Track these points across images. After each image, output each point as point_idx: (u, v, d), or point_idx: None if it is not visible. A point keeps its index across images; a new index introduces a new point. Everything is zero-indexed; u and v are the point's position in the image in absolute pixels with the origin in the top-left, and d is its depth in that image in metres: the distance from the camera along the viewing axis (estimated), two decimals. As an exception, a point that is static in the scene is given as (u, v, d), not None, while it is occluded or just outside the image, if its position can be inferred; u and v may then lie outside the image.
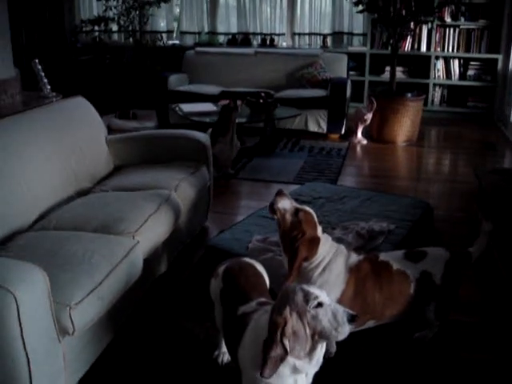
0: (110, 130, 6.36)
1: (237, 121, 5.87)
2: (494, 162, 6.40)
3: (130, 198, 3.42)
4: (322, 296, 1.99)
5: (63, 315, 2.31)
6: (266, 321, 2.02)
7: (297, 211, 2.57)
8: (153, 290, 3.43)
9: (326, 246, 2.64)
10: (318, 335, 1.96)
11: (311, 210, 2.63)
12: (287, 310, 1.94)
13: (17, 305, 2.07)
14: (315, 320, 1.95)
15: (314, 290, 2.01)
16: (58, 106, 4.07)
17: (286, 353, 1.92)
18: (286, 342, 1.91)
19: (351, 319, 1.96)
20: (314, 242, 2.58)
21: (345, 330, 1.96)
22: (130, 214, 3.15)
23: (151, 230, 3.16)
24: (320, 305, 1.96)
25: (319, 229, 2.62)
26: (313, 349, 1.98)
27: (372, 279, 2.65)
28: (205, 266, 3.32)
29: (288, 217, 2.57)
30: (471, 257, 2.82)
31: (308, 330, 1.94)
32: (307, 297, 1.96)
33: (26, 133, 3.40)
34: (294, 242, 2.55)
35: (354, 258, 2.69)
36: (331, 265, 2.61)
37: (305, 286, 2.02)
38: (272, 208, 2.59)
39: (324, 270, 2.61)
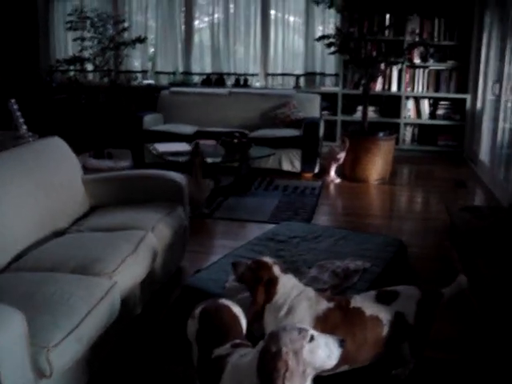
0: (85, 169, 6.36)
1: (212, 161, 5.98)
2: (464, 199, 6.51)
3: (106, 238, 3.43)
4: (310, 329, 2.03)
5: (41, 357, 2.30)
6: (247, 366, 2.03)
7: (250, 266, 2.70)
8: (130, 330, 3.42)
9: (288, 287, 2.68)
10: (312, 368, 1.99)
11: (264, 257, 2.78)
12: (284, 351, 1.95)
13: (-6, 347, 2.06)
14: (312, 354, 1.98)
15: (301, 325, 2.05)
16: (34, 146, 4.07)
17: None
18: None
19: (341, 344, 2.02)
20: (272, 281, 2.66)
21: (336, 356, 2.02)
22: (107, 255, 3.16)
23: (128, 271, 3.17)
24: (312, 338, 1.99)
25: (276, 268, 2.69)
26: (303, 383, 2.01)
27: (343, 328, 2.63)
28: (181, 306, 3.32)
29: (246, 273, 2.70)
30: (443, 297, 2.87)
31: (302, 367, 1.97)
32: (301, 333, 1.99)
33: (1, 173, 3.39)
34: (254, 289, 2.67)
35: (323, 305, 2.68)
36: (294, 309, 2.64)
37: (292, 324, 2.06)
38: (238, 280, 2.78)
39: (288, 313, 2.63)
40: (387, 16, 8.33)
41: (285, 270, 2.75)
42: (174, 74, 9.39)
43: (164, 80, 9.41)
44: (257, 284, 2.65)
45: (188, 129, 7.69)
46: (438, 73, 8.61)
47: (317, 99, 8.13)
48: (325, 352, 2.01)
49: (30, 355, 2.27)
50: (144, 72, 9.49)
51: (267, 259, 2.74)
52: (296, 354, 1.96)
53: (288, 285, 2.69)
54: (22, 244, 3.36)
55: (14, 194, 3.39)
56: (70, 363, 2.48)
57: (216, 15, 9.16)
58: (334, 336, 2.07)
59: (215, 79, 9.26)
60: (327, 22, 8.83)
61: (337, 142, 8.40)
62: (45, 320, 2.44)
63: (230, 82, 9.27)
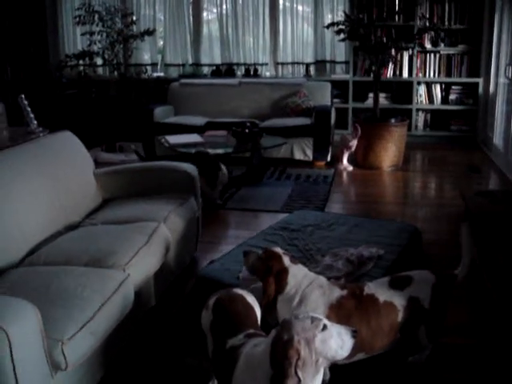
0: (97, 163, 6.36)
1: (223, 151, 5.99)
2: (479, 184, 6.45)
3: (119, 231, 3.43)
4: (323, 318, 2.02)
5: (56, 350, 2.30)
6: (260, 356, 2.02)
7: (260, 256, 2.70)
8: (145, 322, 3.41)
9: (299, 277, 2.68)
10: (324, 358, 1.97)
11: (274, 247, 2.78)
12: (295, 340, 1.93)
13: (9, 341, 2.06)
14: (324, 343, 1.96)
15: (313, 314, 2.03)
16: (45, 141, 4.07)
17: (299, 383, 1.91)
18: (300, 373, 1.91)
19: (354, 335, 2.02)
20: (282, 272, 2.66)
21: (348, 347, 2.00)
22: (120, 247, 3.15)
23: (142, 263, 3.16)
24: (325, 327, 1.98)
25: (285, 259, 2.69)
26: (316, 373, 1.99)
27: (357, 315, 2.63)
28: (196, 297, 3.31)
29: (256, 263, 2.70)
30: (456, 278, 2.84)
31: (314, 356, 1.95)
32: (314, 322, 1.98)
33: (13, 169, 3.40)
34: (264, 279, 2.66)
35: (336, 293, 2.68)
36: (306, 298, 2.63)
37: (305, 313, 2.04)
38: (249, 270, 2.78)
39: (300, 302, 2.62)
40: (396, 1, 8.27)
41: (294, 260, 2.74)
42: (183, 65, 9.36)
43: (174, 72, 9.37)
44: (267, 275, 2.64)
45: (199, 120, 7.66)
46: (449, 57, 8.53)
47: (327, 87, 8.07)
48: (337, 342, 1.99)
49: (45, 348, 2.27)
50: (153, 65, 9.46)
51: (277, 249, 2.73)
52: (308, 342, 1.94)
53: (299, 275, 2.68)
54: (36, 239, 3.36)
55: (26, 190, 3.39)
56: (84, 356, 2.47)
57: (224, 6, 9.11)
58: (346, 326, 2.05)
59: (225, 70, 9.22)
60: (336, 10, 8.74)
61: (348, 130, 8.36)
62: (59, 313, 2.44)
63: (239, 72, 9.22)
